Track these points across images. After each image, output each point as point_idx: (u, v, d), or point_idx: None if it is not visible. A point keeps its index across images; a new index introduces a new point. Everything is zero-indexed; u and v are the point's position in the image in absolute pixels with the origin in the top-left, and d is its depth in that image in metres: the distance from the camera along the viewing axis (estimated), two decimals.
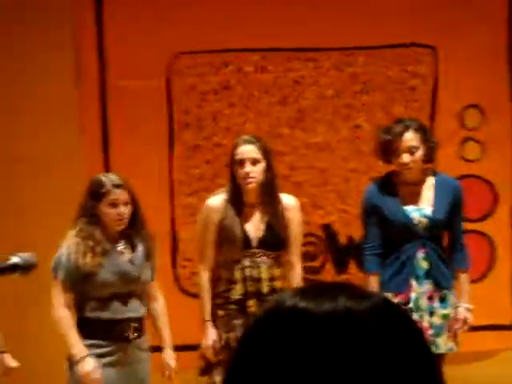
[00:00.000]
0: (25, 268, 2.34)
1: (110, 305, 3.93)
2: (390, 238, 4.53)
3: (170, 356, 4.13)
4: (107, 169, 5.63)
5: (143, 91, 5.73)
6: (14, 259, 2.34)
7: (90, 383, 3.85)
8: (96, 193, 3.98)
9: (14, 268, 2.33)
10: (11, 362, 3.90)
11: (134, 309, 3.98)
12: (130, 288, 3.98)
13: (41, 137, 5.67)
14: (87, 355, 3.86)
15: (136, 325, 3.96)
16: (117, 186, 3.98)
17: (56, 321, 3.92)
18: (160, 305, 4.17)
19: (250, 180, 4.17)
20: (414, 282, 4.49)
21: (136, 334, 3.96)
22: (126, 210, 3.96)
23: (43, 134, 5.66)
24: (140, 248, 4.04)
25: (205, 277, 4.25)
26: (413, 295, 4.46)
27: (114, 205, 3.95)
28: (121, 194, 3.97)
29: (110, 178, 4.04)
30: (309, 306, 0.98)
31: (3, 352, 3.91)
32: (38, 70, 5.65)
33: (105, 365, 3.91)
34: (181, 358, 5.36)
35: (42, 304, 4.25)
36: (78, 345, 3.87)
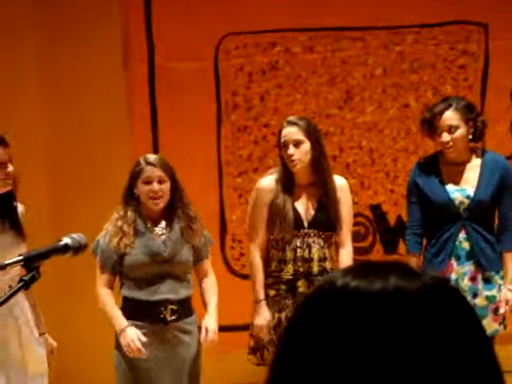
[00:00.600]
0: (75, 248, 2.37)
1: (146, 285, 3.94)
2: (432, 217, 4.49)
3: (208, 320, 4.07)
4: (156, 150, 5.67)
5: (191, 72, 5.74)
6: (66, 240, 2.37)
7: (133, 353, 3.87)
8: (133, 172, 4.03)
9: (66, 248, 2.36)
10: (52, 342, 4.01)
11: (172, 290, 3.97)
12: (165, 269, 3.97)
13: (89, 120, 5.72)
14: (127, 326, 3.89)
15: (174, 307, 3.94)
16: (150, 164, 4.00)
17: (98, 299, 3.99)
18: (209, 281, 4.16)
19: (294, 162, 4.16)
20: (454, 263, 4.45)
21: (174, 317, 3.95)
22: (160, 187, 3.95)
23: (92, 117, 5.71)
24: (176, 229, 4.03)
25: (257, 257, 4.23)
26: (453, 276, 4.42)
27: (148, 182, 3.97)
28: (154, 171, 3.98)
29: (145, 157, 4.07)
30: (360, 284, 0.98)
31: (44, 334, 4.00)
32: (87, 52, 5.69)
33: (143, 345, 3.92)
34: (230, 339, 5.40)
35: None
36: (118, 318, 3.91)
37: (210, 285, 4.17)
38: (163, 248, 3.98)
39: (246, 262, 5.92)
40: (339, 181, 4.38)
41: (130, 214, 3.97)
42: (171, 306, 3.94)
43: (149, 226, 4.02)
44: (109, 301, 3.97)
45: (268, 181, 4.26)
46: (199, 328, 4.06)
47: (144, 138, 5.77)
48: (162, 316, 3.93)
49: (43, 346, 3.93)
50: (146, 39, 5.76)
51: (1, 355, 3.71)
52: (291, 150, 4.15)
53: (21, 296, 3.77)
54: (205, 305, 4.14)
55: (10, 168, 3.72)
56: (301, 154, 4.17)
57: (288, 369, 0.98)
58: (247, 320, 4.35)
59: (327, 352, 0.96)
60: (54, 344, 4.04)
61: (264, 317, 4.18)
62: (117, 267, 3.98)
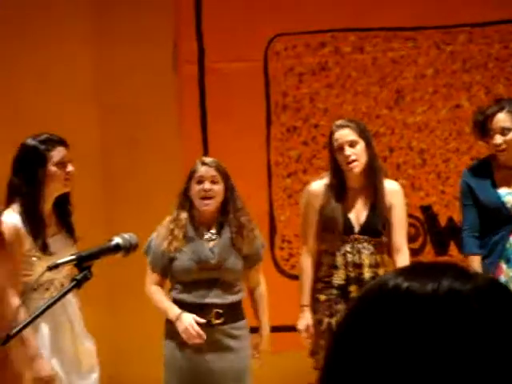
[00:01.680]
0: (126, 248, 2.39)
1: (193, 290, 3.95)
2: (483, 220, 4.45)
3: (263, 340, 4.11)
4: (205, 152, 5.69)
5: (241, 74, 5.76)
6: (117, 239, 2.39)
7: (192, 338, 3.86)
8: (189, 173, 4.05)
9: (117, 248, 2.38)
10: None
11: (219, 295, 3.96)
12: (213, 275, 3.97)
13: (141, 122, 5.76)
14: (182, 312, 3.89)
15: (220, 311, 3.94)
16: (205, 164, 4.01)
17: (148, 297, 4.01)
18: (258, 292, 4.16)
19: (353, 164, 4.12)
20: (504, 266, 4.40)
21: (219, 321, 3.95)
22: (211, 187, 3.95)
23: (143, 120, 5.76)
24: (226, 236, 4.01)
25: (307, 262, 4.21)
26: (502, 278, 4.36)
27: (200, 182, 3.97)
28: (207, 171, 3.98)
29: (201, 159, 4.10)
30: (412, 286, 0.97)
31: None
32: (138, 56, 5.74)
33: (188, 348, 3.92)
34: (279, 339, 5.39)
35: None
36: (171, 308, 3.92)
37: (260, 296, 4.16)
38: (211, 255, 3.97)
39: (296, 263, 5.93)
40: (392, 185, 4.34)
41: (182, 217, 3.97)
42: (216, 310, 3.94)
43: (199, 230, 4.01)
44: (159, 296, 3.99)
45: (318, 185, 4.23)
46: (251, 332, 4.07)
47: (194, 139, 5.80)
48: (207, 319, 3.93)
49: (92, 340, 3.95)
50: (196, 41, 5.79)
51: (56, 351, 3.76)
52: (348, 151, 4.12)
53: (72, 293, 3.81)
54: (256, 316, 4.14)
55: (71, 168, 3.77)
56: (357, 155, 4.14)
57: (339, 371, 0.98)
58: (296, 321, 4.34)
59: (379, 353, 0.95)
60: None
61: (305, 322, 4.17)
62: (166, 269, 3.99)
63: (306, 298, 4.20)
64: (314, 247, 4.21)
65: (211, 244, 4.01)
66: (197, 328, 3.85)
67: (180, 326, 3.87)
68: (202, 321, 3.86)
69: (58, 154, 3.75)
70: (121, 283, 5.41)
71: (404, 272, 1.00)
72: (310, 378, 4.07)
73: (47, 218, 3.80)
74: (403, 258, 4.27)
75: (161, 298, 3.98)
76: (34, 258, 3.73)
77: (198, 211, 4.01)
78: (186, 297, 3.96)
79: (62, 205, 3.85)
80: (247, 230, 4.06)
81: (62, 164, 3.74)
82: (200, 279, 3.95)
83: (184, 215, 3.97)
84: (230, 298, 3.99)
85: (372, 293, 1.00)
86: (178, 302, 3.97)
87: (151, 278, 4.03)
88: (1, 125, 5.42)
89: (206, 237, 4.02)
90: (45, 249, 3.72)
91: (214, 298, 3.95)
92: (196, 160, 4.11)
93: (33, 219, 3.72)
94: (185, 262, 3.96)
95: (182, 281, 3.97)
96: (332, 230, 4.14)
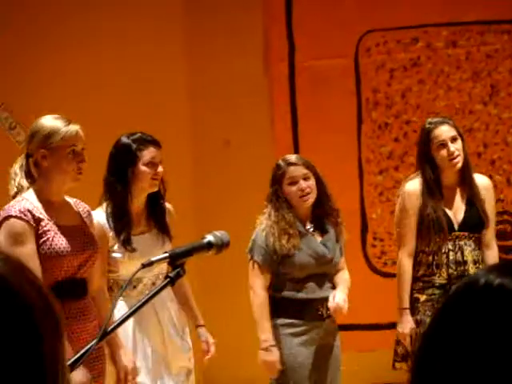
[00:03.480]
0: (218, 246, 2.41)
1: (306, 286, 3.96)
2: None
3: (338, 295, 4.03)
4: (296, 149, 5.70)
5: (332, 70, 5.74)
6: (209, 237, 2.41)
7: (271, 371, 3.93)
8: (275, 176, 4.03)
9: (209, 246, 2.40)
10: (208, 337, 4.00)
11: (328, 288, 4.01)
12: (324, 269, 4.00)
13: (232, 121, 5.80)
14: (274, 345, 3.92)
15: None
16: (292, 164, 4.00)
17: (252, 304, 4.00)
18: (344, 274, 4.13)
19: (458, 159, 4.07)
20: None
21: (329, 312, 3.99)
22: (307, 184, 3.96)
23: (235, 118, 5.80)
24: (331, 230, 4.04)
25: (407, 264, 4.15)
26: None
27: (294, 182, 3.97)
28: (298, 170, 3.98)
29: (284, 159, 4.07)
30: (504, 282, 0.95)
31: (200, 326, 4.02)
32: (231, 55, 5.78)
33: (300, 344, 3.96)
34: (372, 337, 5.36)
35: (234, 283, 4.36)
36: (267, 333, 3.93)
37: (344, 276, 4.13)
38: (326, 250, 4.00)
39: (388, 260, 5.87)
40: (483, 180, 4.27)
41: (287, 216, 3.98)
42: (326, 303, 3.97)
43: (304, 227, 4.03)
44: (265, 312, 3.97)
45: (415, 185, 4.18)
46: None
47: (285, 137, 5.81)
48: (319, 313, 3.97)
49: (189, 340, 3.97)
50: (287, 39, 5.80)
51: (144, 352, 3.81)
52: (452, 147, 4.07)
53: (164, 293, 3.86)
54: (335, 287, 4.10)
55: (160, 169, 3.82)
56: (460, 150, 4.10)
57: (431, 369, 0.97)
58: (389, 318, 4.31)
59: (470, 351, 0.94)
60: (210, 340, 4.01)
61: (408, 325, 4.10)
62: (275, 268, 3.99)
63: (407, 301, 4.13)
64: (413, 248, 4.16)
65: (318, 238, 4.03)
66: (279, 367, 3.91)
67: (266, 357, 3.92)
68: (279, 368, 3.91)
69: (148, 153, 3.81)
70: (212, 283, 5.46)
71: (495, 269, 0.98)
72: (400, 377, 4.04)
73: (136, 216, 3.85)
74: (493, 254, 4.19)
75: (263, 315, 3.97)
76: (117, 255, 3.80)
77: (295, 209, 4.02)
78: (298, 294, 3.97)
79: (156, 204, 3.90)
80: (340, 216, 4.08)
81: (151, 164, 3.79)
82: (312, 274, 3.97)
83: (289, 214, 3.98)
84: (332, 291, 4.02)
85: (463, 291, 0.98)
86: (290, 301, 3.97)
87: (260, 279, 4.00)
88: (94, 124, 5.55)
89: (311, 231, 4.04)
90: (126, 245, 3.77)
91: (325, 291, 3.98)
92: (279, 161, 4.09)
93: (118, 217, 3.79)
94: (303, 258, 3.97)
95: (293, 277, 3.97)
96: (436, 230, 4.09)
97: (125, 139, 3.85)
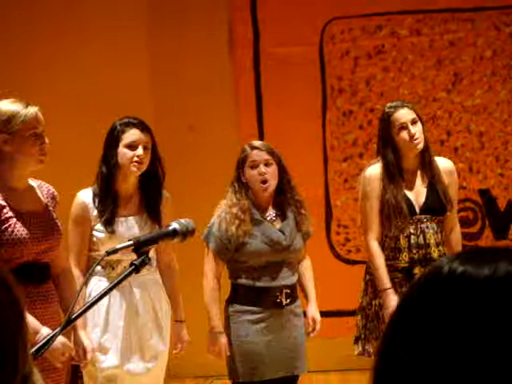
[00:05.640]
0: (183, 234, 2.40)
1: (264, 273, 3.95)
2: None
3: (313, 310, 4.10)
4: (261, 136, 5.70)
5: (296, 57, 5.74)
6: (174, 225, 2.40)
7: (219, 357, 3.95)
8: (239, 159, 4.03)
9: (174, 233, 2.39)
10: (184, 335, 3.98)
11: (287, 276, 4.00)
12: (282, 257, 3.99)
13: (196, 106, 5.79)
14: (221, 332, 3.94)
15: (288, 291, 3.98)
16: (256, 148, 4.00)
17: (204, 290, 4.00)
18: (305, 264, 4.16)
19: (418, 140, 4.09)
20: None
21: (288, 300, 3.99)
22: (267, 170, 3.95)
23: (198, 104, 5.78)
24: (291, 216, 4.03)
25: (375, 246, 4.17)
26: None
27: (255, 166, 3.97)
28: (260, 155, 3.97)
29: (250, 143, 4.07)
30: (467, 270, 0.96)
31: (179, 321, 4.00)
32: (193, 40, 5.76)
33: (258, 331, 3.96)
34: (335, 324, 5.39)
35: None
36: (215, 320, 3.95)
37: (307, 268, 4.17)
38: (282, 236, 3.99)
39: (352, 248, 5.90)
40: (446, 163, 4.30)
41: (243, 201, 3.97)
42: (286, 291, 3.97)
43: (261, 213, 4.02)
44: (215, 299, 3.98)
45: (375, 169, 4.20)
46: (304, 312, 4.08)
47: (249, 123, 5.81)
48: (278, 301, 3.97)
49: (167, 323, 3.96)
50: (252, 25, 5.79)
51: (115, 333, 3.80)
52: (412, 129, 4.09)
53: (149, 276, 3.87)
54: (302, 288, 4.14)
55: (139, 152, 3.78)
56: (420, 132, 4.11)
57: (394, 356, 0.98)
58: (353, 305, 4.33)
59: (433, 338, 0.95)
60: (185, 338, 3.98)
61: (392, 304, 4.10)
62: (230, 255, 3.99)
63: (387, 281, 4.13)
64: (378, 232, 4.18)
65: (277, 225, 4.02)
66: (228, 353, 3.95)
67: (214, 344, 3.93)
68: (228, 354, 3.94)
69: (130, 136, 3.80)
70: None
71: (459, 256, 0.98)
72: (361, 363, 4.07)
73: (124, 198, 3.86)
74: (456, 238, 4.23)
75: (213, 303, 3.98)
76: (98, 234, 3.80)
77: (255, 194, 4.02)
78: (256, 281, 3.96)
79: (146, 187, 3.89)
80: (304, 207, 4.08)
81: (131, 146, 3.78)
82: (270, 261, 3.96)
83: (244, 199, 3.97)
84: (294, 278, 4.02)
85: (427, 278, 0.99)
86: (248, 288, 3.97)
87: (214, 267, 3.99)
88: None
89: (269, 218, 4.03)
90: (107, 226, 3.77)
91: (283, 279, 3.97)
92: (244, 145, 4.09)
93: (102, 197, 3.80)
94: (257, 245, 3.96)
95: (251, 265, 3.96)
96: (396, 215, 4.11)
97: (115, 122, 3.86)
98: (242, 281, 3.99)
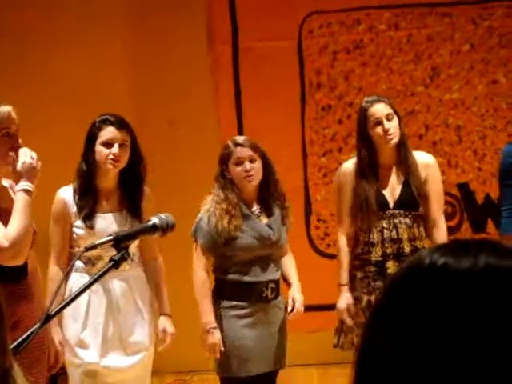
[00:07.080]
0: (164, 229, 2.39)
1: (252, 268, 3.96)
2: None
3: (295, 291, 4.09)
4: (240, 131, 5.69)
5: (275, 52, 5.74)
6: (154, 220, 2.39)
7: (215, 353, 3.94)
8: (222, 156, 4.03)
9: (154, 228, 2.38)
10: (169, 327, 3.95)
11: (273, 271, 4.02)
12: (269, 252, 4.01)
13: (175, 101, 5.78)
14: (215, 327, 3.92)
15: (273, 285, 4.00)
16: (239, 145, 4.00)
17: (194, 285, 4.00)
18: (289, 257, 4.18)
19: (392, 136, 4.09)
20: None
21: (273, 295, 4.00)
22: (251, 166, 3.96)
23: (177, 99, 5.77)
24: (277, 212, 4.05)
25: (343, 240, 4.20)
26: None
27: (239, 163, 3.97)
28: (244, 152, 3.98)
29: (233, 139, 4.07)
30: (448, 262, 0.96)
31: (163, 315, 3.97)
32: (170, 36, 5.74)
33: (245, 326, 3.97)
34: (315, 318, 5.40)
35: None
36: (209, 314, 3.93)
37: (290, 260, 4.19)
38: (271, 232, 4.00)
39: (331, 242, 5.92)
40: (426, 157, 4.30)
41: (231, 196, 3.97)
42: (271, 285, 3.99)
43: (248, 208, 4.03)
44: (206, 293, 3.97)
45: (350, 163, 4.21)
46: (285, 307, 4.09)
47: (229, 118, 5.81)
48: (264, 295, 3.97)
49: (150, 325, 3.93)
50: (230, 20, 5.78)
51: (95, 328, 3.79)
52: (387, 124, 4.09)
53: (133, 272, 3.86)
54: (285, 277, 4.15)
55: (115, 150, 3.77)
56: (395, 128, 4.11)
57: (375, 349, 0.98)
58: (333, 299, 4.34)
59: (415, 331, 0.95)
60: (169, 330, 3.95)
61: (345, 301, 4.15)
62: (220, 250, 3.98)
63: (345, 277, 4.18)
64: (349, 226, 4.20)
65: (263, 220, 4.03)
66: (222, 349, 3.92)
67: (210, 339, 3.91)
68: (222, 350, 3.92)
69: (106, 133, 3.79)
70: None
71: (440, 248, 0.99)
72: (343, 357, 4.08)
73: (104, 195, 3.84)
74: (440, 233, 4.23)
75: (204, 296, 3.96)
76: (78, 230, 3.79)
77: (240, 190, 4.02)
78: (243, 276, 3.96)
79: (128, 184, 3.87)
80: (288, 202, 4.10)
81: (107, 144, 3.77)
82: (257, 256, 3.97)
83: (232, 195, 3.97)
84: (278, 274, 4.05)
85: (408, 270, 0.99)
86: (235, 283, 3.96)
87: (202, 261, 3.99)
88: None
89: (256, 213, 4.04)
90: (86, 222, 3.77)
91: (270, 274, 3.99)
92: (227, 142, 4.09)
93: (81, 194, 3.80)
94: (247, 240, 3.96)
95: (239, 260, 3.97)
96: (367, 207, 4.13)
97: (95, 119, 3.86)
98: (230, 276, 3.99)
